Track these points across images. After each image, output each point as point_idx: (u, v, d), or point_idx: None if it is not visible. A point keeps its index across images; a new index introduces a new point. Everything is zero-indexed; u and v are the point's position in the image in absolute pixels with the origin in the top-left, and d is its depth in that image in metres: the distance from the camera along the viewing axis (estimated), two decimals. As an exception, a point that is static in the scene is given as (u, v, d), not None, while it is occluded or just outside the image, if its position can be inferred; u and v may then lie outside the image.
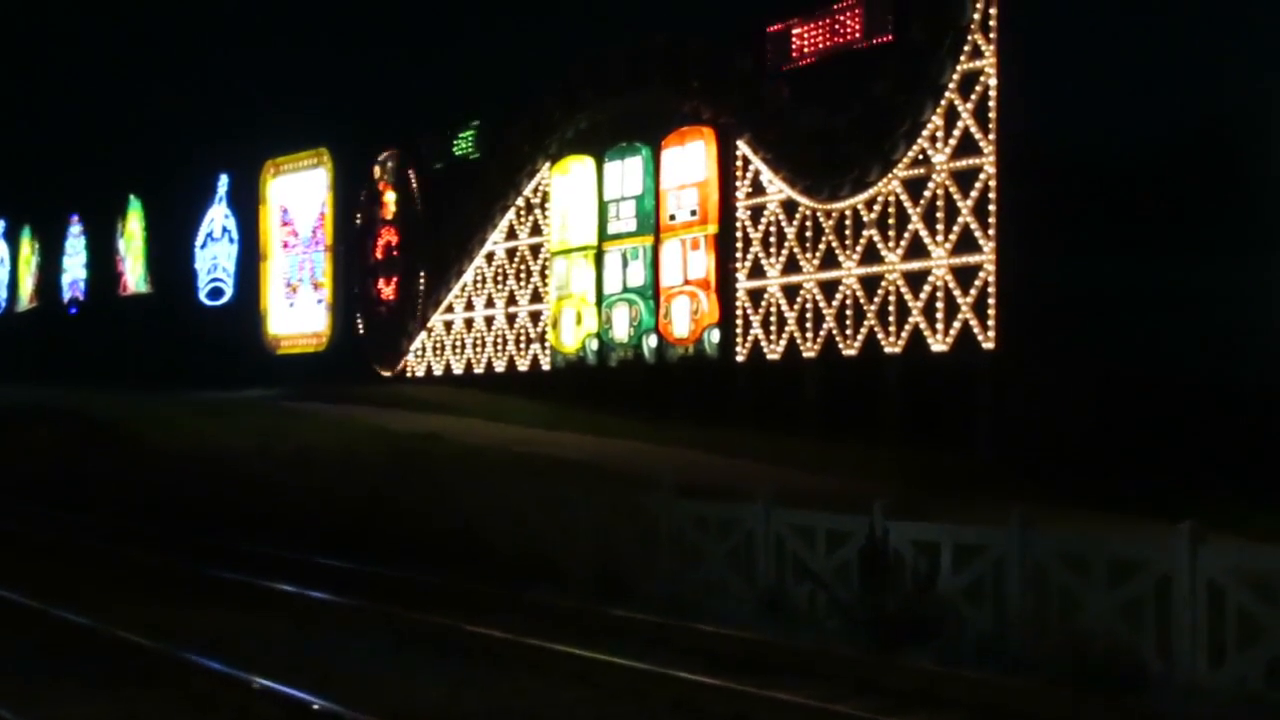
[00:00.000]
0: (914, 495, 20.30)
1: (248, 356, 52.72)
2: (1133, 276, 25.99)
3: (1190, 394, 25.07)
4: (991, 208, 28.93)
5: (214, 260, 57.01)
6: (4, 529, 27.69)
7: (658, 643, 14.87)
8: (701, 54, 35.82)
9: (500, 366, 42.20)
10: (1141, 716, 12.00)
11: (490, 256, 42.89)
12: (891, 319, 30.73)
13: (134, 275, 62.01)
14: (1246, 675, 12.16)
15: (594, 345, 38.57)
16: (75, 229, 66.35)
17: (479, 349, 43.07)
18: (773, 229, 33.80)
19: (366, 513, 23.58)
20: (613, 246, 38.13)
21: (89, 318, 64.91)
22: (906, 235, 30.52)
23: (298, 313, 51.86)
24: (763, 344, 33.83)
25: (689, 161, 35.80)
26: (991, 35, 29.05)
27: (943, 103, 29.71)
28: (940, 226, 29.78)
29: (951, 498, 21.28)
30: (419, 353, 45.47)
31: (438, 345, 44.73)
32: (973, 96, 29.22)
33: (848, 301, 31.79)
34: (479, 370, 42.93)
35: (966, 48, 29.31)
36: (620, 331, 37.63)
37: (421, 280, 45.43)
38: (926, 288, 29.98)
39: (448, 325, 44.34)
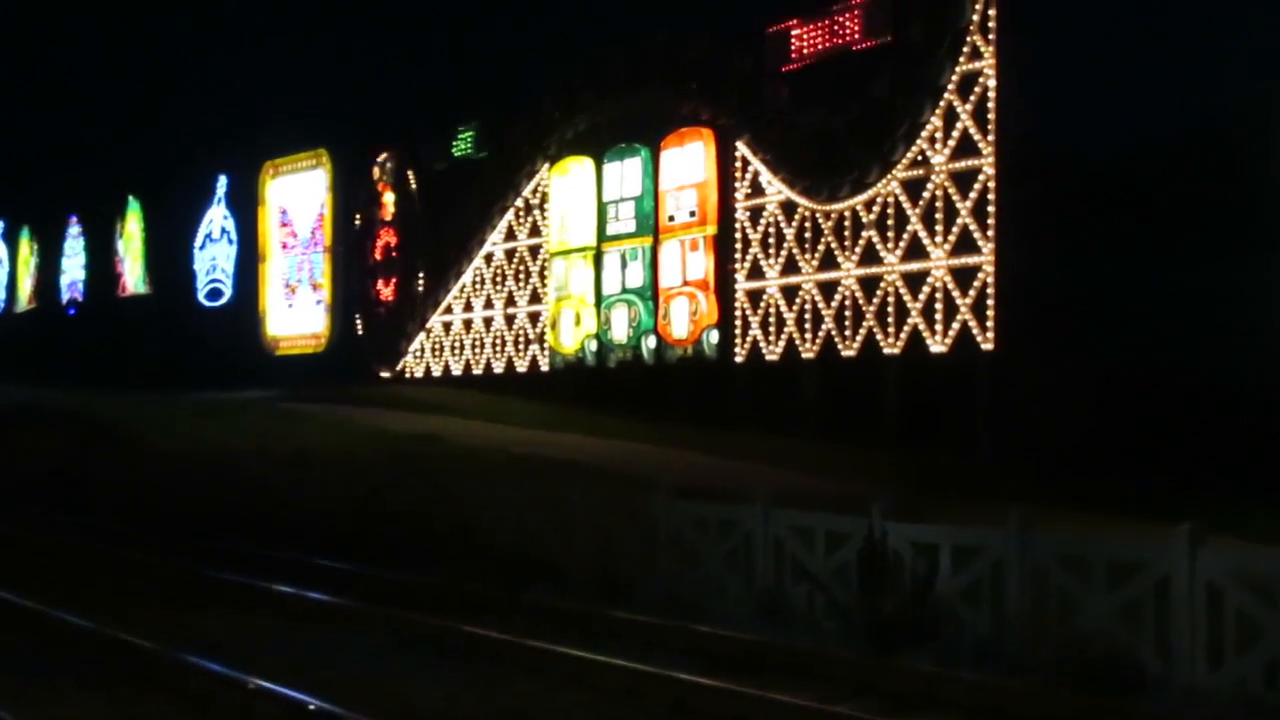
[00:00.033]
0: (913, 496, 20.30)
1: (246, 357, 52.69)
2: (1132, 277, 25.98)
3: (1189, 395, 25.07)
4: (990, 209, 28.91)
5: (213, 261, 57.00)
6: (2, 531, 27.68)
7: (656, 644, 14.88)
8: (701, 55, 35.81)
9: (499, 367, 42.20)
10: (1140, 718, 12.00)
11: (489, 257, 42.88)
12: (890, 320, 30.73)
13: (133, 276, 61.99)
14: (1245, 677, 12.16)
15: (593, 346, 38.56)
16: (74, 230, 66.33)
17: (478, 350, 43.06)
18: (772, 230, 33.80)
19: (365, 514, 23.58)
20: (611, 247, 38.11)
21: (88, 319, 64.88)
22: (905, 236, 30.52)
23: (296, 314, 51.85)
24: (761, 345, 33.82)
25: (688, 162, 35.79)
26: (990, 36, 29.04)
27: (942, 104, 29.71)
28: (939, 227, 29.77)
29: (950, 499, 21.27)
30: (418, 354, 45.46)
31: (436, 346, 44.72)
32: (972, 97, 29.21)
33: (847, 302, 31.78)
34: (478, 371, 42.92)
35: (965, 49, 29.30)
36: (619, 332, 37.62)
37: (420, 281, 45.42)
38: (925, 289, 29.98)
39: (446, 326, 44.33)
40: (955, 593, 14.41)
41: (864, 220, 31.39)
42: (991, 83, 28.95)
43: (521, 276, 41.73)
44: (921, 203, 30.12)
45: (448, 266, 44.08)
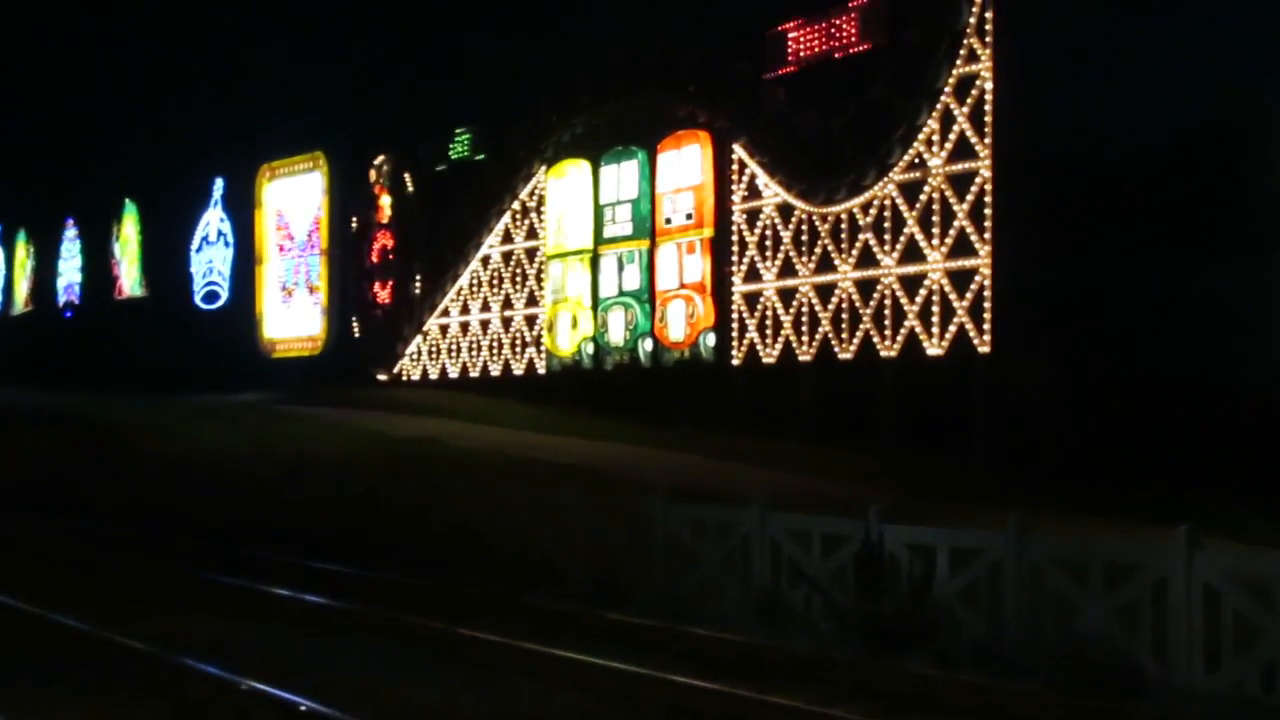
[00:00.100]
0: (909, 499, 20.33)
1: (243, 360, 52.66)
2: (1128, 280, 26.01)
3: (1187, 397, 25.08)
4: (987, 211, 28.92)
5: (209, 264, 56.98)
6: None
7: (653, 646, 14.88)
8: (698, 58, 35.83)
9: (496, 370, 42.19)
10: (1137, 720, 12.02)
11: (486, 260, 42.88)
12: (887, 323, 30.73)
13: (129, 279, 61.97)
14: (1243, 679, 12.18)
15: (589, 349, 38.57)
16: (70, 232, 66.33)
17: (475, 353, 43.05)
18: (768, 233, 33.81)
19: (363, 516, 23.57)
20: (608, 250, 38.12)
21: (84, 321, 64.87)
22: (902, 239, 30.53)
23: (293, 316, 51.84)
24: (758, 347, 33.83)
25: (685, 165, 35.80)
26: (987, 39, 29.05)
27: (938, 107, 29.72)
28: (936, 230, 29.79)
29: (947, 502, 21.30)
30: (414, 356, 45.45)
31: (433, 349, 44.71)
32: (968, 100, 29.23)
33: (843, 305, 31.79)
34: (475, 374, 42.91)
35: (962, 52, 29.32)
36: (616, 335, 37.62)
37: (417, 284, 45.42)
38: (922, 291, 29.99)
39: (443, 329, 44.32)
40: (952, 595, 14.42)
41: (861, 223, 31.40)
42: (988, 85, 28.96)
43: (518, 279, 41.74)
44: (918, 205, 30.14)
45: (445, 269, 44.08)
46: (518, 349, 41.50)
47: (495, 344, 42.27)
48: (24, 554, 25.04)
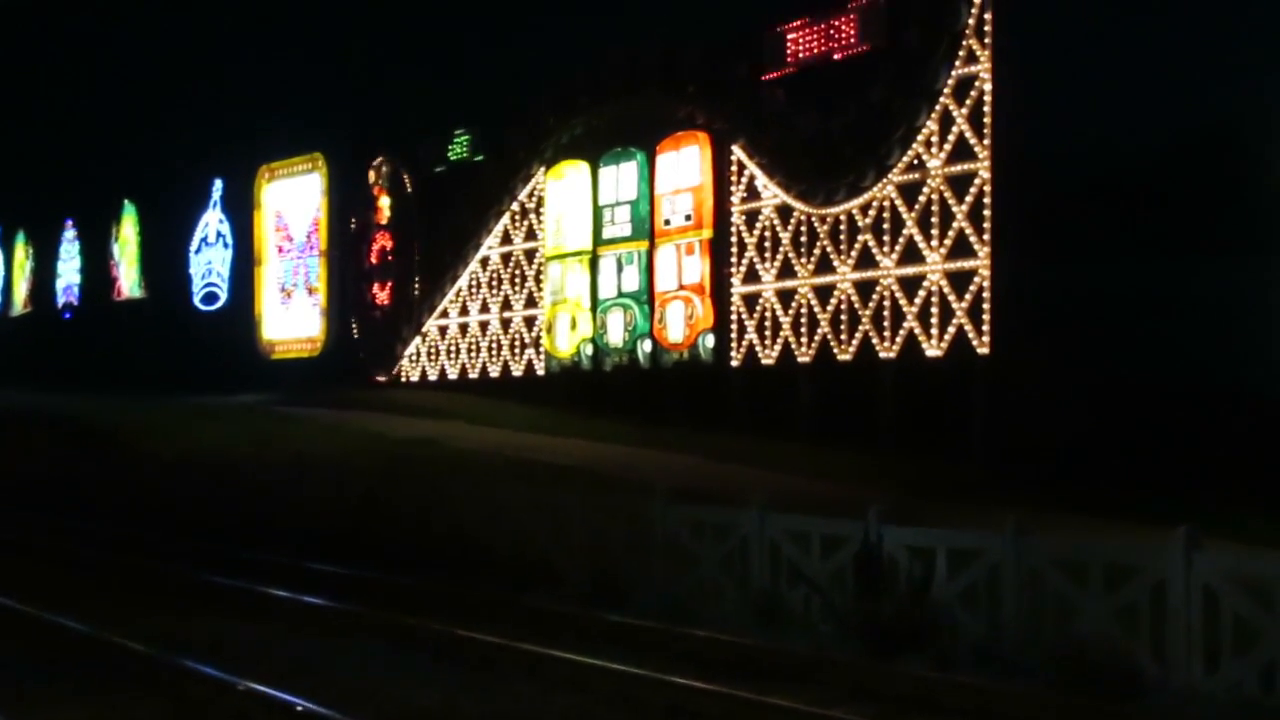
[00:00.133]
0: (908, 500, 20.31)
1: (242, 361, 52.66)
2: (1128, 281, 26.02)
3: (1186, 398, 25.08)
4: (986, 213, 28.93)
5: (208, 265, 56.98)
6: (-2, 534, 27.67)
7: (652, 647, 14.87)
8: (697, 59, 35.84)
9: (495, 371, 42.19)
10: (1137, 722, 12.01)
11: (485, 261, 42.89)
12: (886, 324, 30.74)
13: (128, 280, 61.97)
14: (1242, 680, 12.17)
15: (589, 350, 38.57)
16: (70, 234, 66.34)
17: (474, 354, 43.06)
18: (767, 234, 33.81)
19: (362, 518, 23.56)
20: (607, 251, 38.13)
21: (83, 323, 64.86)
22: (901, 240, 30.54)
23: (292, 318, 51.84)
24: (757, 349, 33.83)
25: (684, 166, 35.81)
26: (986, 40, 29.06)
27: (938, 108, 29.73)
28: (935, 231, 29.79)
29: (946, 503, 21.29)
30: (414, 358, 45.45)
31: (432, 350, 44.71)
32: (967, 101, 29.24)
33: (842, 306, 31.79)
34: (474, 375, 42.91)
35: (961, 53, 29.33)
36: (615, 336, 37.62)
37: (416, 285, 45.42)
38: (921, 293, 29.99)
39: (442, 330, 44.33)
40: (952, 596, 14.41)
41: (860, 224, 31.41)
42: (987, 87, 28.97)
43: (517, 280, 41.74)
44: (917, 207, 30.15)
45: (443, 270, 44.10)
46: (516, 350, 41.50)
47: (494, 345, 42.27)
48: (23, 555, 25.03)
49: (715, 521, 17.45)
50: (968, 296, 29.07)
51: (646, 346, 36.59)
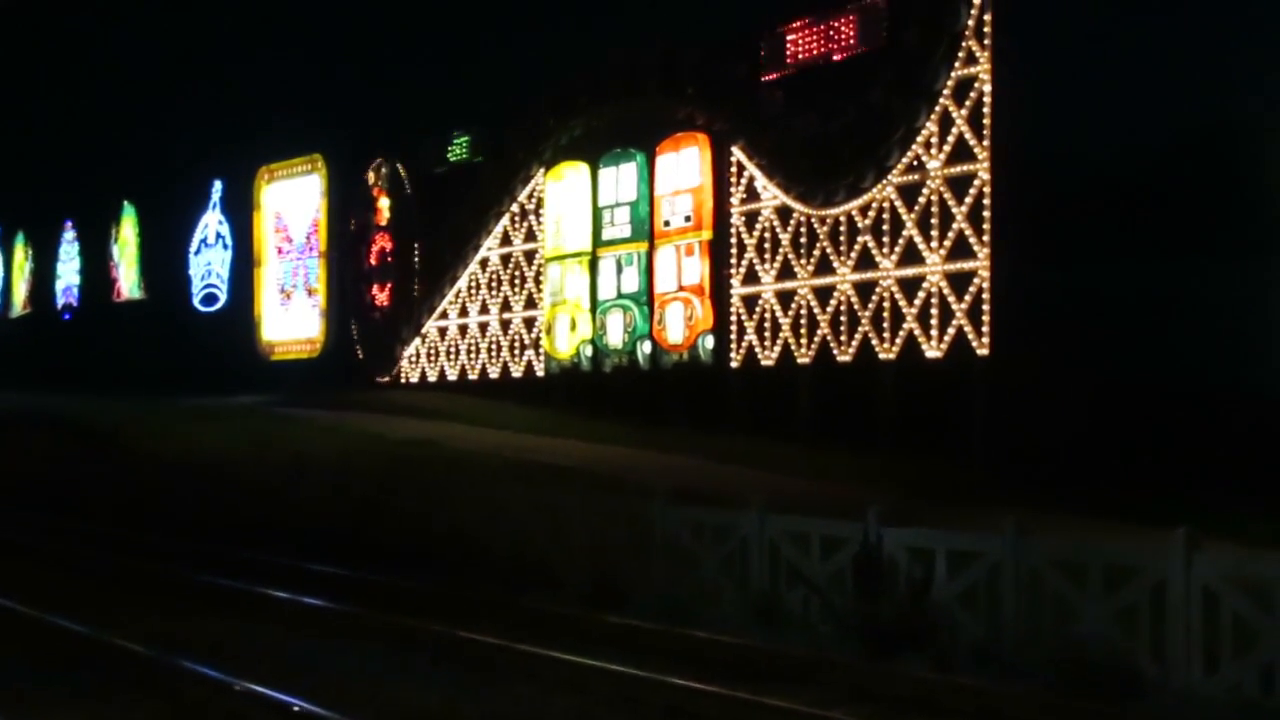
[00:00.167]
0: (908, 501, 20.31)
1: (242, 362, 52.67)
2: (1128, 282, 26.00)
3: (1185, 399, 25.07)
4: (986, 214, 28.92)
5: (208, 266, 56.98)
6: (-3, 535, 27.66)
7: (652, 648, 14.87)
8: (696, 60, 35.84)
9: (494, 372, 42.18)
10: (1136, 723, 12.02)
11: (485, 262, 42.89)
12: (886, 325, 30.73)
13: (128, 281, 61.97)
14: (1241, 682, 12.17)
15: (588, 351, 38.57)
16: (69, 235, 66.34)
17: (473, 355, 43.06)
18: (767, 235, 33.81)
19: (361, 519, 23.56)
20: (607, 252, 38.12)
21: (83, 324, 64.85)
22: (901, 241, 30.53)
23: (292, 319, 51.84)
24: (757, 350, 33.83)
25: (683, 167, 35.81)
26: (985, 41, 29.05)
27: (937, 109, 29.73)
28: (935, 233, 29.79)
29: (946, 504, 21.28)
30: (413, 359, 45.45)
31: (432, 351, 44.71)
32: (967, 102, 29.23)
33: (842, 308, 31.79)
34: (473, 376, 42.91)
35: (960, 54, 29.32)
36: (614, 337, 37.62)
37: (416, 286, 45.41)
38: (921, 294, 29.99)
39: (442, 331, 44.32)
40: (951, 597, 14.41)
41: (859, 225, 31.40)
42: (987, 88, 28.96)
43: (517, 282, 41.74)
44: (917, 208, 30.14)
45: (443, 272, 44.10)
46: (516, 351, 41.49)
47: (494, 346, 42.27)
48: (23, 556, 25.01)
49: (715, 523, 17.46)
50: (967, 297, 29.07)
51: (646, 348, 36.59)
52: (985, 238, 28.88)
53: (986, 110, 28.96)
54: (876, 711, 12.32)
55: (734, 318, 34.46)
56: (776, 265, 33.48)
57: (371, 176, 47.84)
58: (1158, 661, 12.69)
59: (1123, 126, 27.33)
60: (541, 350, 40.35)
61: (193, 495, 28.71)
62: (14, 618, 17.44)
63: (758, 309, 33.85)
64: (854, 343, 31.40)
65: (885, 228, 30.84)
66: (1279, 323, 24.94)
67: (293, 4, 56.98)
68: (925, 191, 29.96)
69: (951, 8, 29.33)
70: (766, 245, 33.78)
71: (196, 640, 15.68)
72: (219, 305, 56.28)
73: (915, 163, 30.21)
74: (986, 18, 28.98)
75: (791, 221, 33.14)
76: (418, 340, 45.15)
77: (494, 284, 42.52)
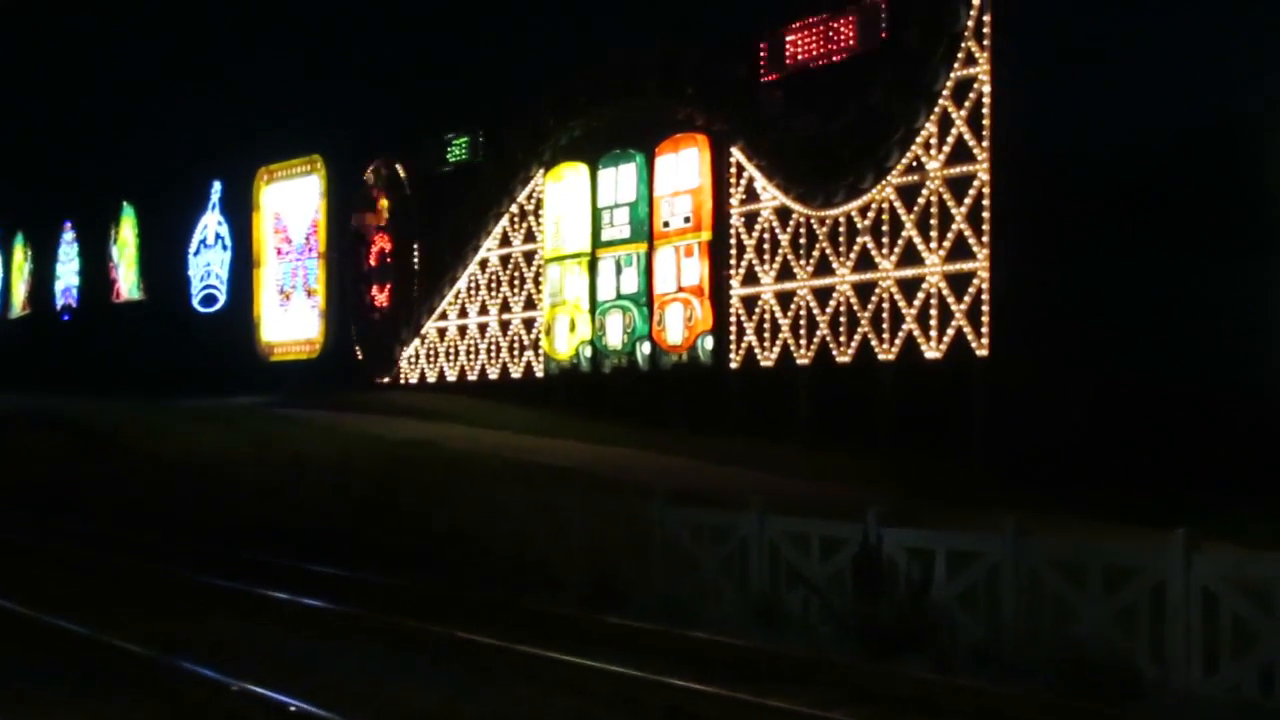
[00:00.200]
0: (908, 502, 20.32)
1: (241, 363, 52.67)
2: (1127, 283, 25.99)
3: (1185, 400, 25.07)
4: (985, 215, 28.92)
5: (207, 267, 56.99)
6: (-3, 536, 27.65)
7: (651, 649, 14.87)
8: (696, 61, 35.84)
9: (494, 373, 42.18)
10: (1136, 724, 12.01)
11: (484, 263, 42.89)
12: (885, 326, 30.73)
13: (127, 282, 61.96)
14: (1241, 682, 12.17)
15: (588, 352, 38.56)
16: (68, 235, 66.34)
17: (472, 356, 43.06)
18: (766, 236, 33.81)
19: (361, 520, 23.56)
20: (606, 253, 38.13)
21: (82, 324, 64.85)
22: (900, 242, 30.53)
23: (291, 320, 51.84)
24: (756, 351, 33.83)
25: (683, 168, 35.81)
26: (985, 42, 29.05)
27: (936, 109, 29.73)
28: (934, 233, 29.79)
29: (946, 505, 21.29)
30: (412, 359, 45.45)
31: (431, 352, 44.71)
32: (966, 103, 29.24)
33: (841, 309, 31.79)
34: (472, 377, 42.91)
35: (960, 54, 29.32)
36: (614, 338, 37.62)
37: (415, 287, 45.41)
38: (920, 295, 29.99)
39: (441, 332, 44.33)
40: (951, 598, 14.41)
41: (859, 226, 31.40)
42: (986, 88, 28.96)
43: (516, 282, 41.74)
44: (916, 209, 30.14)
45: (443, 272, 44.10)
46: (515, 352, 41.49)
47: (493, 347, 42.27)
48: (23, 556, 25.01)
49: (714, 523, 17.46)
50: (967, 298, 29.07)
51: (645, 348, 36.59)
52: (985, 238, 28.89)
53: (986, 111, 28.96)
54: (876, 712, 12.31)
55: (733, 319, 34.47)
56: (776, 266, 33.48)
57: (371, 177, 47.83)
58: (1157, 662, 12.68)
59: (1122, 127, 27.33)
60: (541, 351, 40.35)
61: (192, 496, 28.72)
62: (13, 618, 17.44)
63: (757, 310, 33.85)
64: (853, 343, 31.40)
65: (885, 228, 30.85)
66: (1279, 323, 24.94)
67: (292, 5, 56.98)
68: (925, 192, 29.97)
69: (951, 8, 29.34)
70: (766, 246, 33.78)
71: (197, 641, 15.68)
72: (218, 306, 56.28)
73: (915, 163, 30.21)
74: (986, 18, 28.98)
75: (791, 222, 33.15)
76: (417, 341, 45.15)
77: (493, 285, 42.52)
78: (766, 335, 33.60)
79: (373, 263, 47.76)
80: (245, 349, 53.06)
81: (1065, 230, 27.08)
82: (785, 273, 33.23)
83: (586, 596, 17.96)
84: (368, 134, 48.64)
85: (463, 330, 43.46)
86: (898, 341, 30.42)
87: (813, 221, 32.59)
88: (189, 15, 61.36)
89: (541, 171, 40.72)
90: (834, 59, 32.44)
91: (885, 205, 30.81)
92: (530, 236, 41.34)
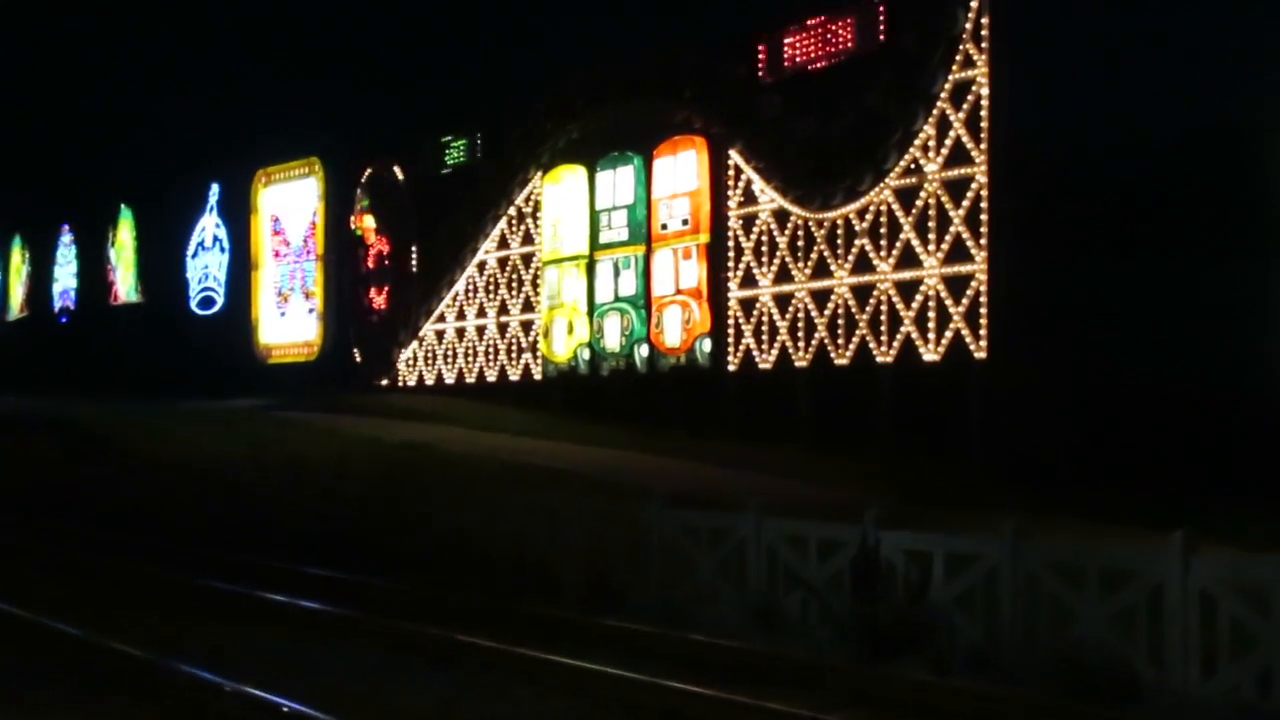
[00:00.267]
0: (905, 505, 20.32)
1: (239, 366, 52.64)
2: (1125, 285, 26.00)
3: (1184, 403, 25.08)
4: (983, 217, 28.95)
5: (205, 269, 56.96)
6: (-6, 539, 27.63)
7: (649, 652, 14.86)
8: (694, 63, 35.86)
9: (492, 376, 42.18)
10: (1134, 726, 12.01)
11: (482, 265, 42.89)
12: (883, 328, 30.74)
13: (125, 284, 61.94)
14: (1239, 685, 12.17)
15: (585, 355, 38.56)
16: (66, 238, 66.31)
17: (470, 358, 43.05)
18: (764, 238, 33.82)
19: (359, 522, 23.54)
20: (604, 256, 38.13)
21: (80, 327, 64.82)
22: (898, 245, 30.54)
23: (289, 322, 51.82)
24: (754, 353, 33.83)
25: (681, 171, 35.82)
26: (983, 45, 29.08)
27: (935, 112, 29.75)
28: (932, 236, 29.80)
29: (943, 507, 21.28)
30: (410, 362, 45.44)
31: (429, 355, 44.70)
32: (965, 106, 29.26)
33: (839, 311, 31.80)
34: (470, 380, 42.91)
35: (958, 57, 29.35)
36: (612, 341, 37.62)
37: (413, 289, 45.39)
38: (918, 297, 30.00)
39: (439, 334, 44.32)
40: (949, 600, 14.40)
41: (857, 229, 31.42)
42: (984, 91, 28.98)
43: (514, 285, 41.74)
44: (914, 211, 30.16)
45: (441, 275, 44.10)
46: (513, 355, 41.49)
47: (491, 350, 42.26)
48: (21, 559, 24.98)
49: (712, 526, 17.44)
50: (965, 301, 29.09)
51: (643, 351, 36.59)
52: (983, 241, 28.91)
53: (984, 113, 28.98)
54: (874, 715, 12.31)
55: (731, 321, 34.47)
56: (774, 268, 33.49)
57: (368, 179, 47.81)
58: (1155, 664, 12.68)
59: (1120, 129, 27.34)
60: (539, 354, 40.35)
61: (191, 498, 28.69)
62: (11, 620, 17.41)
63: (755, 312, 33.86)
64: (851, 346, 31.41)
65: (883, 231, 30.86)
66: (1278, 325, 24.95)
67: (290, 7, 57.00)
68: (923, 194, 29.98)
69: (949, 11, 29.37)
70: (764, 248, 33.78)
71: (195, 644, 15.66)
72: (216, 308, 56.25)
73: (913, 166, 30.23)
74: (984, 21, 29.02)
75: (789, 224, 33.15)
76: (415, 343, 45.15)
77: (491, 287, 42.52)
78: (765, 337, 33.60)
79: (370, 265, 47.76)
80: (243, 351, 53.04)
81: (1063, 232, 27.10)
82: (783, 275, 33.23)
83: (584, 599, 17.96)
84: (366, 136, 48.64)
85: (461, 333, 43.46)
86: (896, 344, 30.42)
87: (811, 224, 32.59)
88: (188, 17, 61.39)
89: (540, 174, 40.71)
90: (832, 61, 32.45)
91: (883, 207, 30.82)
92: (528, 239, 41.34)
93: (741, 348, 34.20)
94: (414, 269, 45.54)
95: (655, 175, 36.58)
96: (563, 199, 39.68)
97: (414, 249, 45.67)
